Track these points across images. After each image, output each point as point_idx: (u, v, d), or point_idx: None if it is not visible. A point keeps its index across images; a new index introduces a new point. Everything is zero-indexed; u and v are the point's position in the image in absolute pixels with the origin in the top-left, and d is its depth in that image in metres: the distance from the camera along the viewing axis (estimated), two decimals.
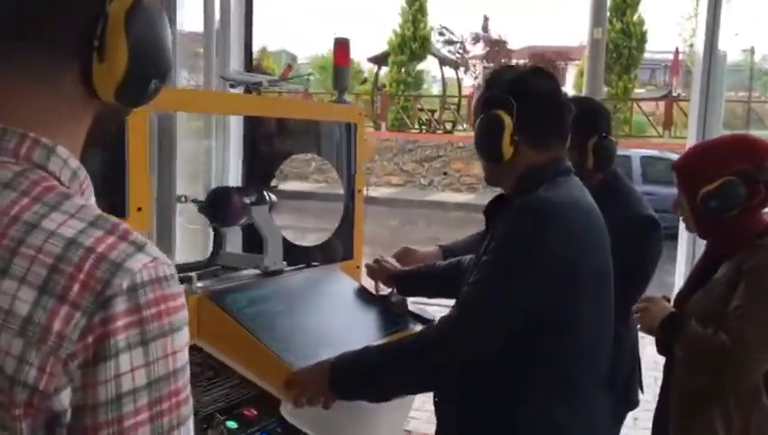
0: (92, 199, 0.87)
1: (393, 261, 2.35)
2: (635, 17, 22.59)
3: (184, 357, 0.78)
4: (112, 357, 0.72)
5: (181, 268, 2.22)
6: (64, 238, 0.74)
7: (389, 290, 2.31)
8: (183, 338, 0.77)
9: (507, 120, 1.66)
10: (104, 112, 0.88)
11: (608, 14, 17.73)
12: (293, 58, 38.64)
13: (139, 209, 1.64)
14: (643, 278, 2.20)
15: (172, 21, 2.90)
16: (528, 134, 1.68)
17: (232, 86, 2.15)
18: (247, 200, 2.20)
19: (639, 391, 2.41)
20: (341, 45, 2.37)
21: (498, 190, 1.83)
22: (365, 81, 28.77)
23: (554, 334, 1.61)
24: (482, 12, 23.61)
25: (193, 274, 2.03)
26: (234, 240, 2.46)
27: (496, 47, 23.84)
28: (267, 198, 2.27)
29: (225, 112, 2.57)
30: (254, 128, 2.47)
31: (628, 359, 2.31)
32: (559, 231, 1.58)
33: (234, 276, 2.22)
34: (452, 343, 1.60)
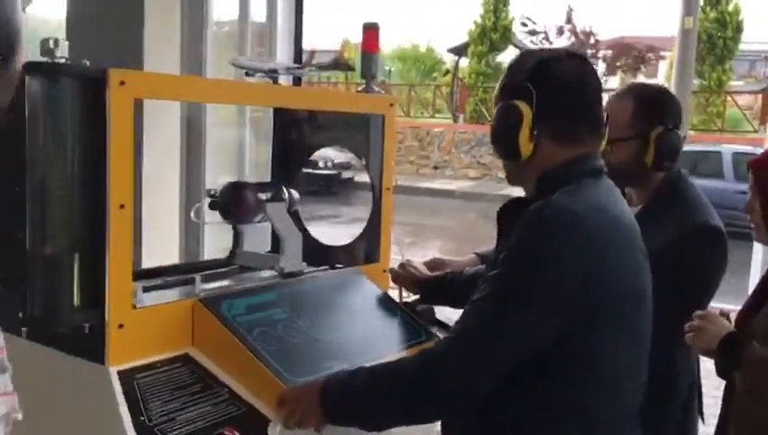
0: None
1: (421, 266, 2.16)
2: (730, 6, 21.55)
3: None
4: None
5: (189, 268, 2.11)
6: None
7: (416, 297, 2.13)
8: None
9: (526, 111, 1.45)
10: None
11: (701, 2, 16.90)
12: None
13: (122, 207, 1.50)
14: (699, 295, 1.93)
15: (204, 12, 2.80)
16: (551, 127, 1.46)
17: (248, 74, 2.00)
18: (263, 196, 2.06)
19: (700, 421, 2.14)
20: (370, 31, 2.18)
21: None
22: (447, 72, 28.47)
23: (567, 361, 1.40)
24: (568, 2, 22.77)
25: (197, 275, 1.90)
26: (262, 238, 2.33)
27: (588, 39, 22.94)
28: (286, 194, 2.12)
29: (241, 102, 2.43)
30: (277, 119, 2.31)
31: (685, 384, 2.04)
32: (575, 245, 1.36)
33: (249, 278, 2.08)
34: (445, 376, 1.40)
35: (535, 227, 1.38)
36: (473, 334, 1.40)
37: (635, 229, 1.50)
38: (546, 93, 1.44)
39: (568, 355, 1.39)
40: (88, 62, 1.46)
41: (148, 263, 2.83)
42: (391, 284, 2.19)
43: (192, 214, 2.16)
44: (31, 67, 1.40)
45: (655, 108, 2.03)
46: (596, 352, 1.41)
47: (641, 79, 20.42)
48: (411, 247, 10.34)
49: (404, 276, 2.11)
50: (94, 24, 2.93)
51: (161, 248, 2.94)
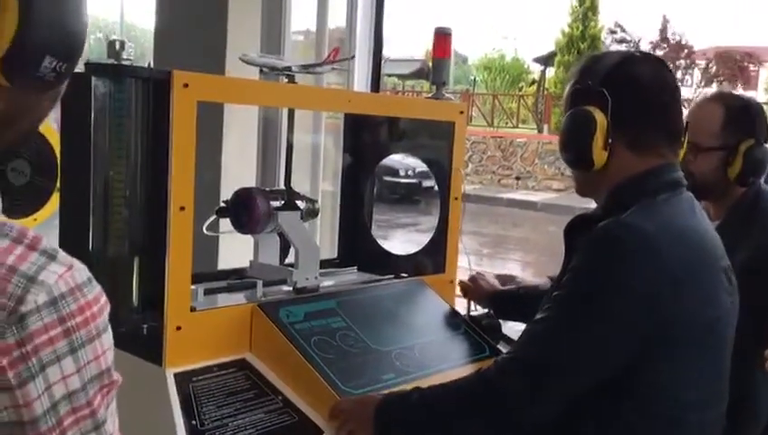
0: None
1: (492, 279, 2.09)
2: None
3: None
4: (38, 374, 0.68)
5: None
6: None
7: (484, 311, 2.06)
8: (110, 335, 0.77)
9: (600, 119, 1.36)
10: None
11: None
12: (464, 59, 38.66)
13: (183, 209, 1.50)
14: None
15: (283, 21, 2.82)
16: (627, 136, 1.38)
17: (262, 72, 1.90)
18: (276, 204, 1.87)
19: None
20: (442, 36, 2.14)
21: None
22: (533, 82, 28.12)
23: (627, 392, 1.31)
24: (662, 11, 21.98)
25: (259, 281, 1.89)
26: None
27: (683, 50, 22.12)
28: (302, 203, 1.93)
29: (312, 108, 2.41)
30: (347, 125, 2.29)
31: (766, 412, 1.91)
32: (645, 271, 1.26)
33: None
34: (500, 400, 1.33)
35: (603, 248, 1.30)
36: (529, 358, 1.34)
37: (717, 247, 1.40)
38: (623, 99, 1.36)
39: (627, 386, 1.30)
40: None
41: (222, 265, 2.85)
42: (458, 292, 2.13)
43: (204, 228, 1.93)
44: (97, 68, 1.42)
45: (747, 119, 1.92)
46: (660, 384, 1.31)
47: (740, 90, 19.59)
48: (491, 259, 10.21)
49: (474, 290, 2.05)
50: (180, 36, 3.00)
51: (240, 251, 2.95)
